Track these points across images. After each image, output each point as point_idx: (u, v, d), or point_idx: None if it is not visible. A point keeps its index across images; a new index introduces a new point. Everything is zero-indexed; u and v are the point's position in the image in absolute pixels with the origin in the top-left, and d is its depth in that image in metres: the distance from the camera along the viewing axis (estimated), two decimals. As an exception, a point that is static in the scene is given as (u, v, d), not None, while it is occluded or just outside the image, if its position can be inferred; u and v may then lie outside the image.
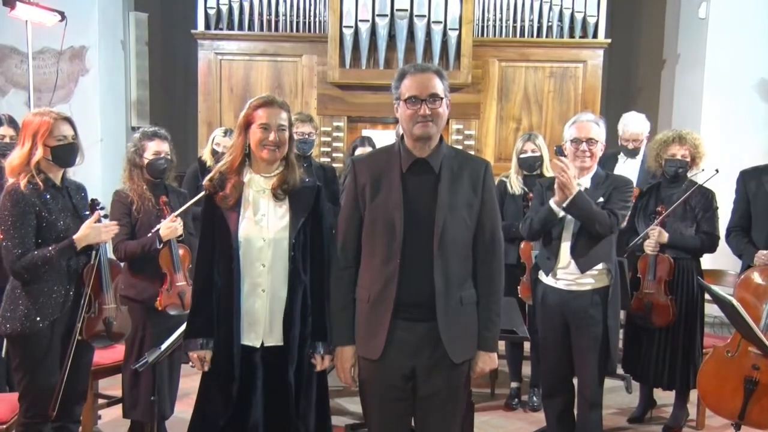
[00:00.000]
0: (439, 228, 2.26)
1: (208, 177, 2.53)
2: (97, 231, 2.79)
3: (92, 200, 2.89)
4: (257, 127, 2.43)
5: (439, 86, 2.29)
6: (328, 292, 2.45)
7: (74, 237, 2.74)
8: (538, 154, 4.08)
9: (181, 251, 3.40)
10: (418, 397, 2.36)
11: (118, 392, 3.66)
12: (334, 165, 5.50)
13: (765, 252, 3.42)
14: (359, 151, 4.29)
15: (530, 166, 4.09)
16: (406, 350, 2.30)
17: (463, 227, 2.32)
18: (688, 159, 3.80)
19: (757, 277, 3.28)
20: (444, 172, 2.32)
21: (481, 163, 2.42)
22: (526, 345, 4.25)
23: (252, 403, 2.44)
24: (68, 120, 2.82)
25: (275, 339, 2.45)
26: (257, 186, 2.49)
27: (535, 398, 4.20)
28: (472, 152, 5.54)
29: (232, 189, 2.45)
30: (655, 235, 3.70)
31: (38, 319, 2.71)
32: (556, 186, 3.07)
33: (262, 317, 2.44)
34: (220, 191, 2.46)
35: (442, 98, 2.29)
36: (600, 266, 3.16)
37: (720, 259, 4.04)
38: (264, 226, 2.45)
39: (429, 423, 2.39)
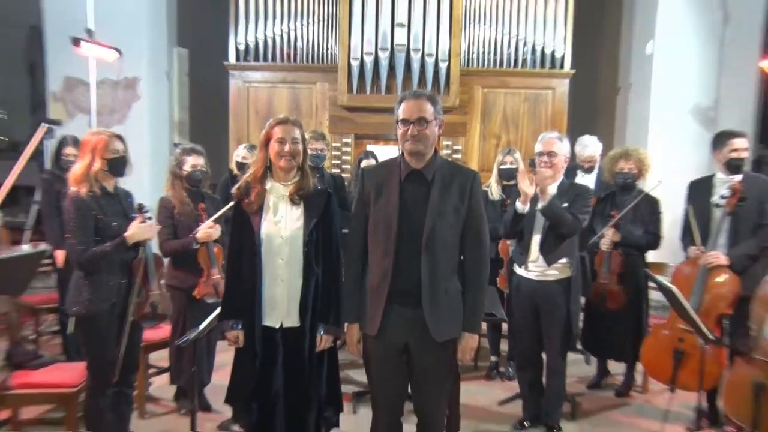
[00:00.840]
0: (427, 230, 2.26)
1: (236, 186, 2.55)
2: (143, 229, 2.80)
3: (139, 205, 2.90)
4: (275, 142, 2.45)
5: (428, 110, 2.27)
6: (339, 280, 2.46)
7: (125, 235, 2.76)
8: (515, 166, 4.08)
9: (215, 249, 3.41)
10: (413, 371, 2.37)
11: (165, 363, 3.69)
12: (343, 175, 5.51)
13: (694, 247, 3.43)
14: (364, 163, 4.30)
15: (509, 176, 4.08)
16: (399, 329, 2.31)
17: (450, 229, 2.30)
18: (635, 171, 3.80)
19: (685, 268, 3.40)
20: (436, 182, 2.30)
21: (470, 174, 2.36)
22: (504, 326, 4.26)
23: (273, 374, 2.46)
24: (120, 137, 2.84)
25: (292, 321, 2.47)
26: (277, 193, 2.51)
27: (510, 370, 4.20)
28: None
29: (256, 197, 2.47)
30: (609, 235, 3.71)
31: (98, 303, 2.73)
32: (519, 188, 3.11)
33: (281, 303, 2.46)
34: (246, 198, 2.49)
35: (429, 121, 2.27)
36: (564, 260, 3.17)
37: (662, 253, 4.05)
38: (282, 226, 2.47)
39: (423, 391, 2.40)
